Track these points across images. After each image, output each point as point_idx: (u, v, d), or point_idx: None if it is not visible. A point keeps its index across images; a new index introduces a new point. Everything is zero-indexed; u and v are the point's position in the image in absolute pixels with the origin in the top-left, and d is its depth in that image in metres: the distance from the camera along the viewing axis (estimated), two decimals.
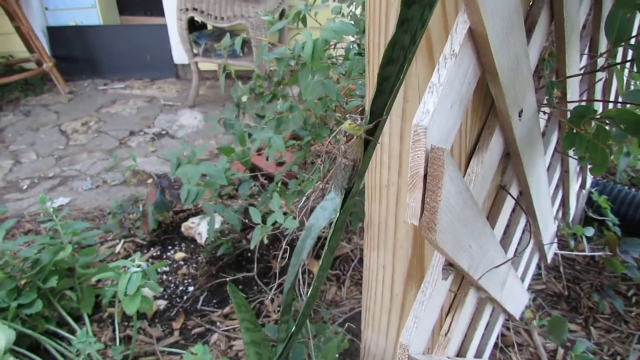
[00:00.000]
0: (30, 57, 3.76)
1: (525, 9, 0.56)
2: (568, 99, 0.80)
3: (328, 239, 0.51)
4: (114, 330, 1.55)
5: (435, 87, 0.39)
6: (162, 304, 1.67)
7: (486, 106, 0.52)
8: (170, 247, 1.96)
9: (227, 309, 1.61)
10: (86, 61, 4.13)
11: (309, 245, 0.79)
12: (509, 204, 0.73)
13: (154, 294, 1.69)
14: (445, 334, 0.65)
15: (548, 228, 1.11)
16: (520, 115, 0.57)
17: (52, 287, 1.49)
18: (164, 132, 3.19)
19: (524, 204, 0.85)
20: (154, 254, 1.92)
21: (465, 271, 0.55)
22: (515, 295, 0.91)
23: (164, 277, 1.80)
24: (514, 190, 0.73)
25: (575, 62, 0.76)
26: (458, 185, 0.42)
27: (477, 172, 0.53)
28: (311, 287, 0.55)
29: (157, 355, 1.46)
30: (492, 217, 0.68)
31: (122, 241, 2.01)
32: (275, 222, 1.17)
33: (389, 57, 0.47)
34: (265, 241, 1.25)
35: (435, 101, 0.38)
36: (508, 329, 1.46)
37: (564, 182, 1.26)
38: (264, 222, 1.25)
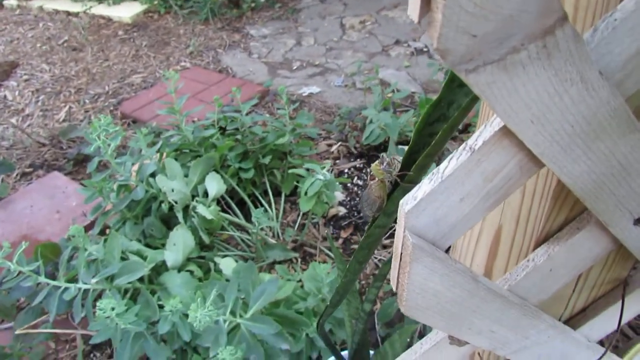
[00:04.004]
0: None
1: None
2: None
3: (355, 253, 0.53)
4: (297, 216, 1.83)
5: (435, 177, 0.34)
6: (342, 211, 1.86)
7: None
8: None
9: None
10: None
11: None
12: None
13: (339, 200, 1.89)
14: None
15: None
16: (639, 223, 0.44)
17: (265, 163, 1.82)
18: (425, 49, 3.19)
19: None
20: (357, 165, 2.09)
21: (490, 350, 0.50)
22: None
23: (356, 189, 1.98)
24: None
25: None
26: (446, 276, 0.38)
27: (538, 263, 0.45)
28: (338, 286, 0.59)
29: (317, 251, 1.68)
30: (595, 307, 0.57)
31: (339, 143, 2.23)
32: None
33: (437, 117, 0.42)
34: None
35: (426, 190, 0.34)
36: None
37: None
38: None
